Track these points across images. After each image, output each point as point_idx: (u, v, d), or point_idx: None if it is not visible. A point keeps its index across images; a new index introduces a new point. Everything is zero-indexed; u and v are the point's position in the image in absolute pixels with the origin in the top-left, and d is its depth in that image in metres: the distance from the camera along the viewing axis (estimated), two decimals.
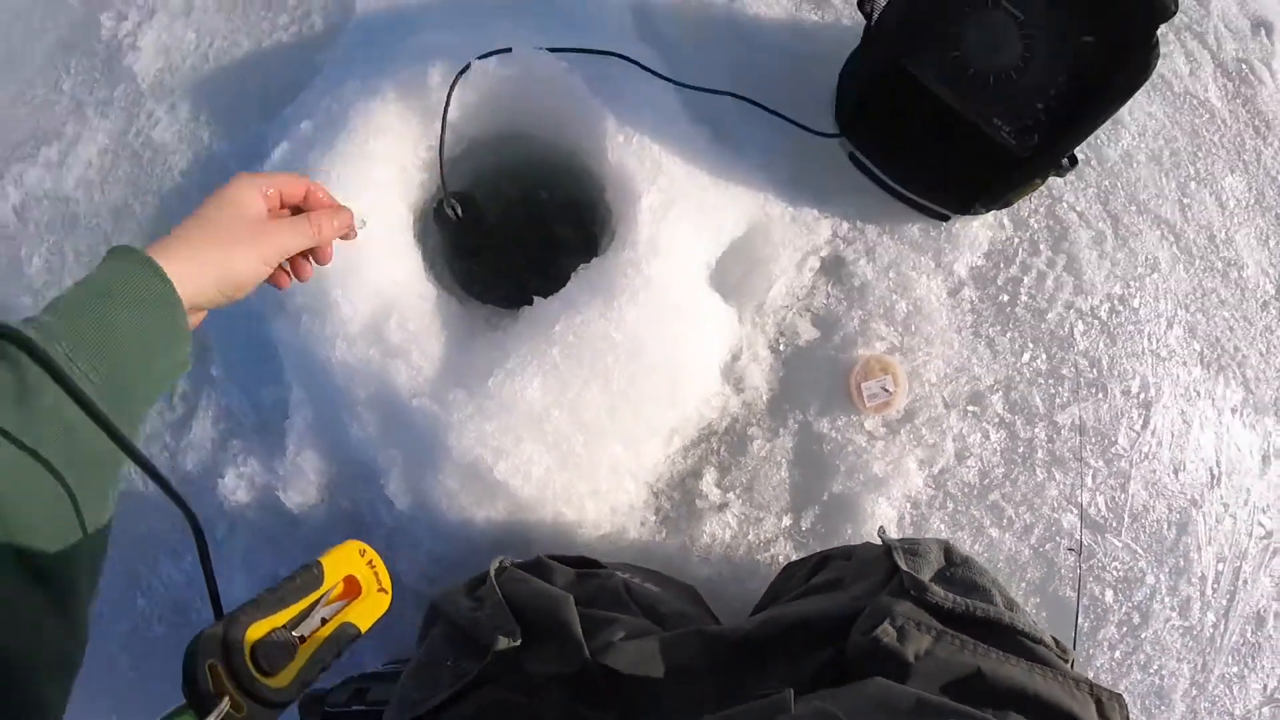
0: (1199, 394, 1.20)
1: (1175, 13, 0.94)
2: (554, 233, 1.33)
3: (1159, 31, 0.96)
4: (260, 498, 1.14)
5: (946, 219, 1.16)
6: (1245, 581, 1.15)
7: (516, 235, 1.27)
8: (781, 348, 1.13)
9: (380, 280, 1.01)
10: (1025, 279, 1.19)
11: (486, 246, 1.15)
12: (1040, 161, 1.04)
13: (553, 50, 1.07)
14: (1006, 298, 1.18)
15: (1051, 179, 1.18)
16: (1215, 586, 1.14)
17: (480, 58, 1.05)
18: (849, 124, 1.13)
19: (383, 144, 1.04)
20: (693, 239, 1.01)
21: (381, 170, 1.04)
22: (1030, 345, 1.17)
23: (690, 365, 0.98)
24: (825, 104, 1.18)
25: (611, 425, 0.93)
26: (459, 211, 1.06)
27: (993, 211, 1.18)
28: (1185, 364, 1.21)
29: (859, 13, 1.12)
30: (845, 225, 1.16)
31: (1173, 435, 1.17)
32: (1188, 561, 1.13)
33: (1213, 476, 1.17)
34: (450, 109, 1.04)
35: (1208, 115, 1.52)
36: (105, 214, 1.42)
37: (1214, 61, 1.64)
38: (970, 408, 1.13)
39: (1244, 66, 1.64)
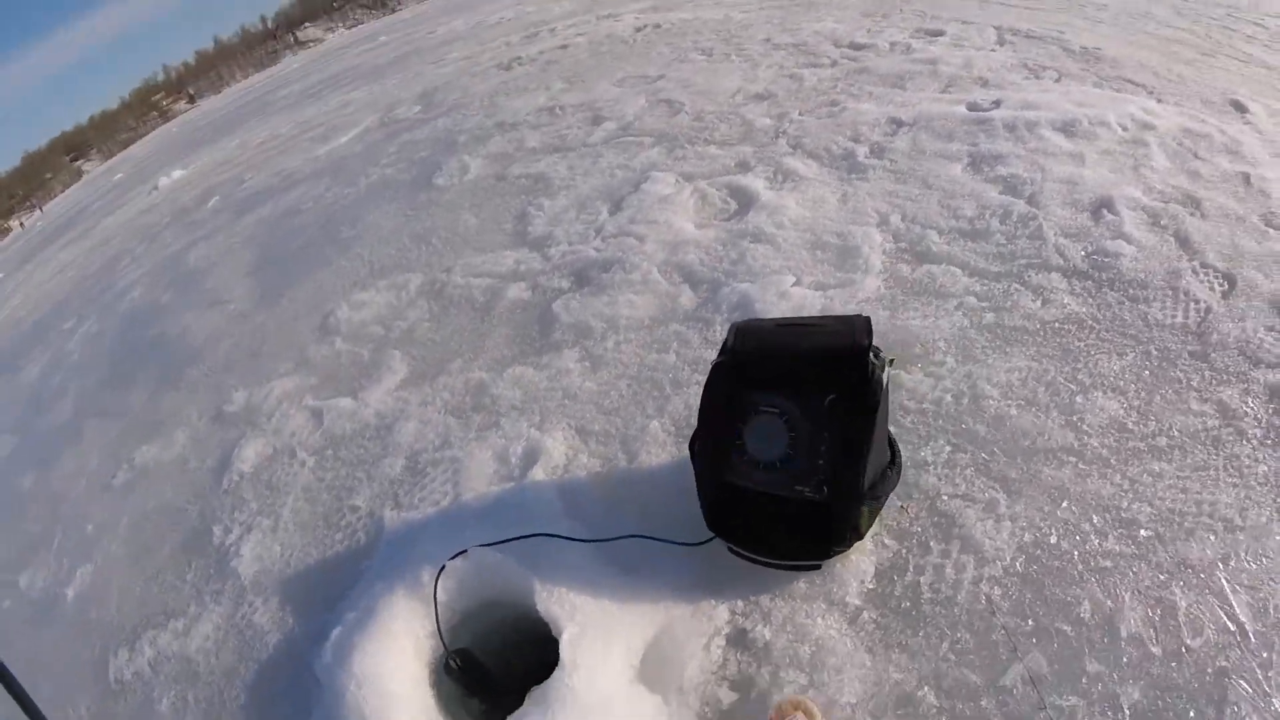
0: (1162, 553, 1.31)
1: (868, 347, 1.32)
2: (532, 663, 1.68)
3: (870, 361, 1.34)
4: None
5: (818, 568, 1.46)
6: None
7: (505, 670, 1.61)
8: (709, 715, 1.32)
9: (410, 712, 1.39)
10: (921, 580, 1.39)
11: (482, 684, 1.49)
12: (845, 499, 1.37)
13: (495, 544, 1.57)
14: (909, 603, 1.37)
15: (909, 469, 1.55)
16: None
17: (449, 559, 1.56)
18: (715, 526, 1.52)
19: (399, 624, 1.53)
20: (608, 652, 1.35)
21: (403, 640, 1.51)
22: (949, 630, 1.31)
23: None
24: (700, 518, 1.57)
25: None
26: (458, 663, 1.46)
27: (865, 539, 1.47)
28: (1138, 556, 1.33)
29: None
30: (739, 601, 1.45)
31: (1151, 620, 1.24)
32: None
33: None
34: (439, 593, 1.52)
35: (1075, 325, 1.81)
36: (219, 673, 1.83)
37: (1064, 273, 2.00)
38: (899, 711, 1.23)
39: (1096, 257, 1.99)
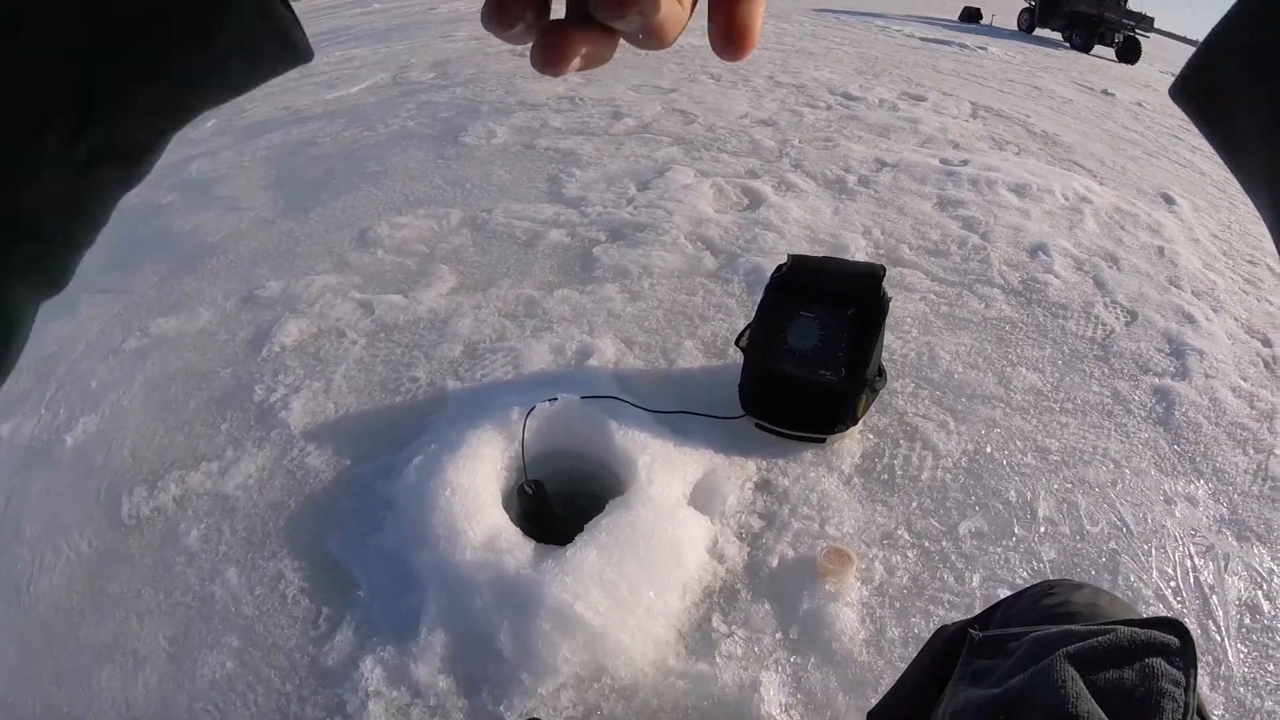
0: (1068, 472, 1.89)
1: (881, 279, 1.87)
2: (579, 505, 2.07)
3: (882, 289, 1.88)
4: (390, 676, 1.53)
5: (823, 440, 1.98)
6: None
7: (563, 506, 2.01)
8: (743, 535, 1.79)
9: (488, 521, 1.74)
10: (895, 463, 1.93)
11: (542, 513, 1.88)
12: (854, 384, 1.90)
13: (584, 397, 1.99)
14: (887, 476, 1.90)
15: (884, 395, 2.03)
16: None
17: (541, 402, 1.95)
18: (748, 406, 2.02)
19: (487, 449, 1.89)
20: (670, 479, 1.81)
21: (488, 465, 1.87)
22: (915, 496, 1.84)
23: (686, 544, 1.67)
24: (735, 399, 2.07)
25: (643, 576, 1.58)
26: (532, 489, 1.83)
27: (854, 429, 1.98)
28: (1049, 470, 1.88)
29: (738, 349, 2.09)
30: (764, 461, 1.95)
31: (1060, 511, 1.79)
32: None
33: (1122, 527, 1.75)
34: (525, 430, 1.89)
35: (1008, 325, 2.41)
36: (263, 506, 1.94)
37: (1003, 289, 2.60)
38: (883, 542, 1.74)
39: (1028, 283, 2.59)
